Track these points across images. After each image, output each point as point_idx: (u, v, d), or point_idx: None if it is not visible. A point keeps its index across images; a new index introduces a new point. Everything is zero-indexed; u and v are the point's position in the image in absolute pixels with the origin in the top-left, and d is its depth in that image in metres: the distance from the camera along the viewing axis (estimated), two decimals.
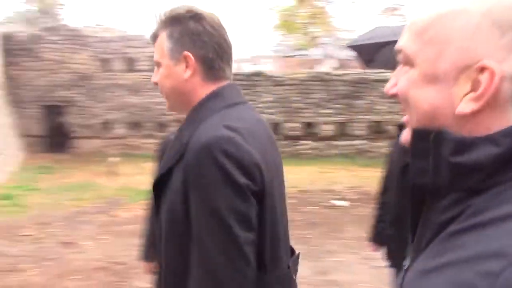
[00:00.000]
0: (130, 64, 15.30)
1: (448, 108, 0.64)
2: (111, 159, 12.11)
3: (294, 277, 1.41)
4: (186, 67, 1.32)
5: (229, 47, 1.36)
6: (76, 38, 15.54)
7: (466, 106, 0.63)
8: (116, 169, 11.59)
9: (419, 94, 0.67)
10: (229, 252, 1.16)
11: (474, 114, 0.62)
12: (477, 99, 0.62)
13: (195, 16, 1.32)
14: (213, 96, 1.32)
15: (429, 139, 0.65)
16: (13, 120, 14.51)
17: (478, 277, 0.54)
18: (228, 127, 1.21)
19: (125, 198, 9.11)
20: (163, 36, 1.34)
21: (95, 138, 15.55)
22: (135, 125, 15.47)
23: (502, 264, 0.53)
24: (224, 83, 1.36)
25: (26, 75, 15.42)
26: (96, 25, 18.75)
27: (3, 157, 11.83)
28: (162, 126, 14.72)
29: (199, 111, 1.31)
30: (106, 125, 15.58)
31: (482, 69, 0.61)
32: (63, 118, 15.56)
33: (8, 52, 15.16)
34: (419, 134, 0.67)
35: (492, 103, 0.61)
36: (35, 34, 15.81)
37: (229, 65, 1.38)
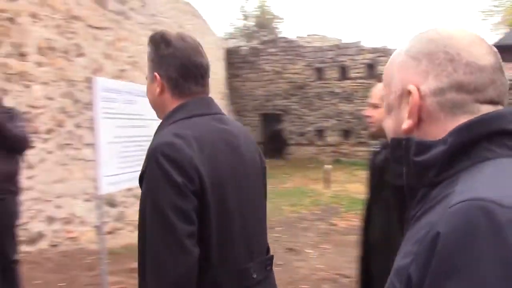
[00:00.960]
0: (343, 72, 15.42)
1: (401, 128, 0.81)
2: (326, 166, 12.26)
3: (255, 276, 1.49)
4: (157, 85, 1.51)
5: (195, 66, 1.50)
6: (292, 49, 16.29)
7: (406, 123, 0.80)
8: (330, 176, 11.70)
9: (385, 124, 0.88)
10: (167, 240, 1.32)
11: (416, 127, 0.78)
12: (410, 116, 0.79)
13: (165, 40, 1.50)
14: (178, 109, 1.49)
15: (402, 146, 0.79)
16: None
17: (414, 245, 0.68)
18: (176, 135, 1.38)
19: (340, 206, 9.13)
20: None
21: (309, 145, 16.02)
22: (347, 133, 15.51)
23: (426, 230, 0.66)
24: (193, 97, 1.51)
25: (247, 86, 16.69)
26: (310, 35, 19.35)
27: None
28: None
29: (164, 122, 1.51)
30: (320, 132, 15.93)
31: (408, 93, 0.79)
32: (280, 125, 16.41)
33: (231, 65, 16.64)
34: (395, 143, 0.82)
35: (426, 116, 0.78)
36: (255, 48, 17.02)
37: (196, 82, 1.51)
